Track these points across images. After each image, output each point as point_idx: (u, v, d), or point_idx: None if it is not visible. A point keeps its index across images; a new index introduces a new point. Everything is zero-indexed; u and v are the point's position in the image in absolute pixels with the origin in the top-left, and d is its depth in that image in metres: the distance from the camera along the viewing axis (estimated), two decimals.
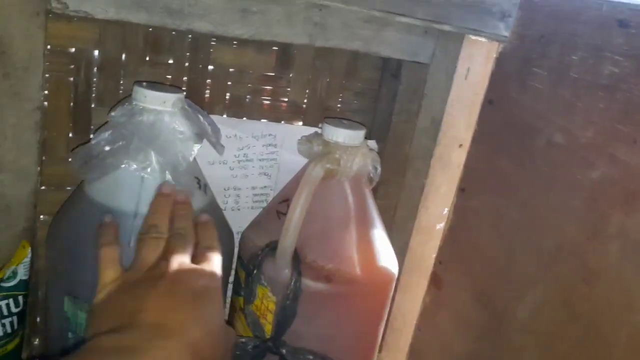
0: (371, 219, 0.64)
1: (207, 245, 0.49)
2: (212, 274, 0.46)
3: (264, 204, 0.74)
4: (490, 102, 0.64)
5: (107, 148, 0.52)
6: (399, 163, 0.72)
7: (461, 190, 0.68)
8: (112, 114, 0.54)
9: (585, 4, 0.48)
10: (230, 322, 0.66)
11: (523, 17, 0.59)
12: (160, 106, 0.54)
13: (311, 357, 0.58)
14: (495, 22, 0.60)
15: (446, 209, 0.70)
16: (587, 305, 0.46)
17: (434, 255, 0.71)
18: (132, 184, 0.53)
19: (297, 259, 0.59)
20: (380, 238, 0.64)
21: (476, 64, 0.66)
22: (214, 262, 0.48)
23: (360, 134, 0.62)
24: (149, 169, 0.52)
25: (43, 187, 0.65)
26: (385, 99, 0.73)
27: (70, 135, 0.65)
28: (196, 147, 0.56)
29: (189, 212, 0.51)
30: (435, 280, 0.70)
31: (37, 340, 0.70)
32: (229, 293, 0.68)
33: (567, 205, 0.49)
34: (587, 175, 0.47)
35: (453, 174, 0.70)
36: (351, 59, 0.72)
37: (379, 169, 0.63)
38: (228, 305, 0.68)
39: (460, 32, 0.62)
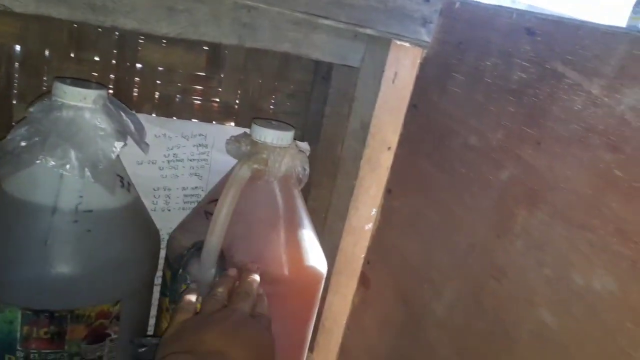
0: (300, 220, 0.64)
1: (261, 311, 0.55)
2: (267, 329, 0.53)
3: (195, 204, 0.74)
4: (414, 106, 0.66)
5: (22, 143, 0.50)
6: (330, 165, 0.74)
7: (388, 191, 0.69)
8: (31, 109, 0.53)
9: (498, 12, 0.51)
10: (158, 322, 0.65)
11: (444, 23, 0.61)
12: (80, 102, 0.53)
13: None
14: (417, 27, 0.62)
15: (374, 210, 0.72)
16: (494, 301, 0.48)
17: (362, 256, 0.73)
18: (50, 179, 0.52)
19: (222, 259, 0.59)
20: (308, 238, 0.65)
21: (403, 68, 0.67)
22: (267, 324, 0.54)
23: (289, 134, 0.62)
24: (67, 165, 0.51)
25: None
26: (316, 101, 0.74)
27: None
28: (118, 145, 0.55)
29: (254, 280, 0.56)
30: (364, 280, 0.72)
31: None
32: (156, 295, 0.67)
33: (479, 205, 0.51)
34: (497, 176, 0.49)
35: (381, 176, 0.71)
36: (283, 61, 0.73)
37: (308, 169, 0.64)
38: (156, 307, 0.67)
39: (384, 37, 0.64)
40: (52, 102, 0.53)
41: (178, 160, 0.71)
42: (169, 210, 0.73)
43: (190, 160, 0.71)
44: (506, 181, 0.48)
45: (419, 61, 0.66)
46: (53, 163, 0.51)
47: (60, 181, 0.52)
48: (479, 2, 0.56)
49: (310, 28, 0.65)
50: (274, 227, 0.63)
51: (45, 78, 0.63)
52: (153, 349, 0.59)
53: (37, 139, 0.51)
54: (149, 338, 0.60)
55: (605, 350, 0.39)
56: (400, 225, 0.66)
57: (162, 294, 0.64)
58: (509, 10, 0.49)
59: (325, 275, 0.66)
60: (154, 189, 0.70)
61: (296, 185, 0.65)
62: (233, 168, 0.65)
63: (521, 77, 0.48)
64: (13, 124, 0.63)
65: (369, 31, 0.61)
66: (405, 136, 0.67)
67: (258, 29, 0.63)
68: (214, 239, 0.58)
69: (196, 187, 0.73)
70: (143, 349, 0.60)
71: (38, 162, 0.51)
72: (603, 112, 0.41)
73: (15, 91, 0.63)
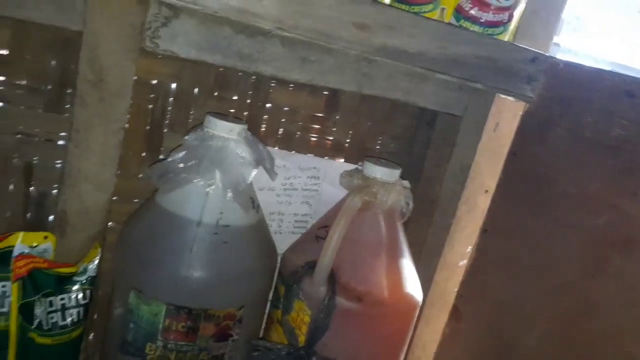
0: (401, 250, 0.71)
1: None
2: None
3: (304, 230, 0.82)
4: (514, 153, 0.72)
5: (181, 165, 0.61)
6: (428, 203, 0.80)
7: (484, 231, 0.75)
8: (186, 137, 0.64)
9: (599, 74, 0.56)
10: (266, 332, 0.73)
11: (547, 81, 0.67)
12: (227, 134, 0.63)
13: None
14: (522, 84, 0.68)
15: (469, 248, 0.77)
16: (585, 336, 0.52)
17: (455, 290, 0.78)
18: (198, 197, 0.62)
19: (332, 279, 0.66)
20: (408, 268, 0.71)
21: (504, 119, 0.74)
22: None
23: (396, 172, 0.70)
24: (214, 186, 0.61)
25: (114, 198, 0.74)
26: (419, 145, 0.81)
27: (143, 154, 0.74)
28: (254, 172, 0.64)
29: None
30: (456, 313, 0.77)
31: (92, 335, 0.78)
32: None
33: (574, 248, 0.56)
34: (593, 222, 0.54)
35: (477, 217, 0.77)
36: (391, 107, 0.81)
37: (411, 205, 0.71)
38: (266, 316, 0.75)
39: (491, 91, 0.71)
40: (204, 132, 0.63)
41: (293, 189, 0.80)
42: (281, 233, 0.81)
43: (304, 190, 0.80)
44: (602, 227, 0.53)
45: (520, 113, 0.72)
46: (204, 183, 0.61)
47: (206, 199, 0.62)
48: (582, 65, 0.61)
49: (420, 79, 0.73)
50: (378, 253, 0.70)
51: (192, 112, 0.74)
52: (265, 353, 0.67)
53: (193, 162, 0.61)
54: (262, 341, 0.68)
55: None
56: (494, 263, 0.71)
57: (274, 306, 0.72)
58: (610, 74, 0.55)
59: (420, 304, 0.71)
60: (270, 213, 0.80)
61: (399, 219, 0.72)
62: (343, 199, 0.74)
63: (620, 134, 0.53)
64: (161, 148, 0.75)
65: (478, 85, 0.68)
66: (504, 181, 0.73)
67: (375, 78, 0.72)
68: (326, 260, 0.66)
69: (306, 214, 0.82)
70: (256, 353, 0.68)
71: (194, 182, 0.61)
72: None
73: (167, 121, 0.74)
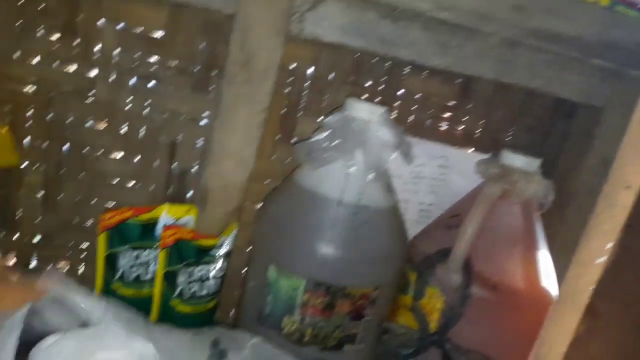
0: (537, 242, 0.69)
1: None
2: None
3: (427, 219, 0.81)
4: None
5: (325, 145, 0.62)
6: (562, 197, 0.77)
7: (627, 226, 0.71)
8: (327, 119, 0.65)
9: None
10: (392, 316, 0.73)
11: None
12: (368, 117, 0.63)
13: (472, 355, 0.64)
14: None
15: (609, 244, 0.73)
16: None
17: (590, 288, 0.74)
18: (339, 177, 0.63)
19: (468, 266, 0.65)
20: (544, 261, 0.69)
21: None
22: None
23: (536, 162, 0.68)
24: (356, 167, 0.62)
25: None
26: (554, 137, 0.79)
27: (278, 137, 0.76)
28: (392, 155, 0.65)
29: None
30: (592, 312, 0.73)
31: (234, 310, 0.81)
32: None
33: None
34: None
35: (617, 213, 0.73)
36: (526, 97, 0.79)
37: (551, 197, 0.68)
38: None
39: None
40: (345, 115, 0.64)
41: (420, 177, 0.79)
42: (405, 221, 0.81)
43: (431, 179, 0.80)
44: None
45: None
46: (347, 163, 0.62)
47: (346, 179, 0.63)
48: None
49: (562, 68, 0.70)
50: (514, 244, 0.68)
51: (326, 96, 0.76)
52: (397, 336, 0.67)
53: (336, 142, 0.62)
54: (394, 324, 0.68)
55: None
56: (637, 260, 0.67)
57: (401, 291, 0.72)
58: None
59: (555, 299, 0.69)
60: None
61: (537, 210, 0.70)
62: (475, 189, 0.73)
63: None
64: (294, 132, 0.77)
65: (634, 73, 0.65)
66: None
67: (515, 66, 0.70)
68: (462, 247, 0.65)
69: (431, 204, 0.81)
70: (387, 335, 0.68)
71: (336, 162, 0.62)
72: None
73: (301, 105, 0.76)
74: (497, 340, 0.66)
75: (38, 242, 0.75)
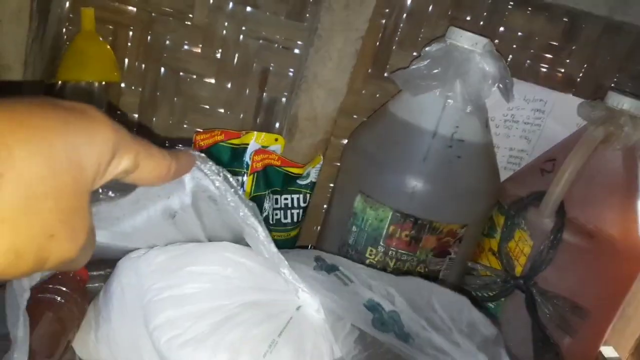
0: (638, 190, 0.65)
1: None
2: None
3: (517, 167, 0.78)
4: None
5: (425, 72, 0.60)
6: None
7: None
8: (427, 48, 0.63)
9: None
10: (473, 259, 0.72)
11: None
12: (471, 46, 0.61)
13: (560, 301, 0.62)
14: None
15: None
16: None
17: None
18: (436, 108, 0.61)
19: (562, 211, 0.63)
20: None
21: None
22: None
23: None
24: (454, 98, 0.60)
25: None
26: None
27: (369, 70, 0.75)
28: (493, 89, 0.62)
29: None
30: None
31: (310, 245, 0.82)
32: None
33: None
34: None
35: None
36: (635, 41, 0.73)
37: None
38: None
39: None
40: (447, 44, 0.62)
41: (514, 121, 0.76)
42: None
43: (525, 124, 0.76)
44: None
45: None
46: (446, 93, 0.60)
47: (443, 111, 0.61)
48: None
49: None
50: (613, 192, 0.64)
51: (422, 30, 0.73)
52: (481, 277, 0.66)
53: (436, 71, 0.60)
54: (479, 265, 0.67)
55: None
56: None
57: (486, 235, 0.70)
58: None
59: None
60: None
61: None
62: (575, 133, 0.69)
63: None
64: (387, 66, 0.75)
65: None
66: None
67: (630, 2, 0.65)
68: (558, 190, 0.62)
69: (522, 150, 0.78)
70: (471, 275, 0.67)
71: (433, 91, 0.60)
72: None
73: (397, 38, 0.74)
74: (585, 289, 0.63)
75: None
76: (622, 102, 0.64)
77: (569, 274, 0.63)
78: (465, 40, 0.61)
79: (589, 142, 0.62)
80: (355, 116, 0.76)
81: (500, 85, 0.63)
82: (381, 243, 0.63)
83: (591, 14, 0.69)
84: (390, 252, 0.63)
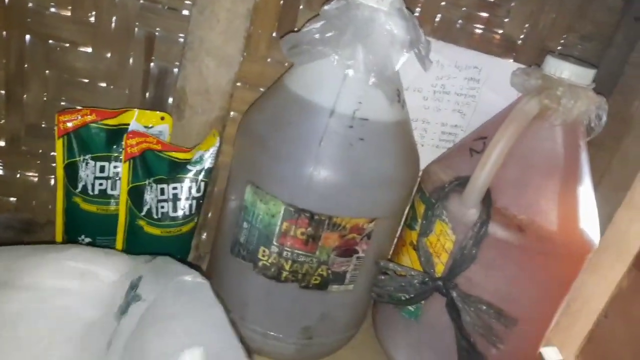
0: (580, 175, 0.56)
1: None
2: None
3: (450, 144, 0.68)
4: None
5: (317, 36, 0.49)
6: (618, 123, 0.62)
7: None
8: (326, 7, 0.52)
9: None
10: (395, 255, 0.62)
11: None
12: (376, 3, 0.50)
13: (484, 307, 0.52)
14: None
15: None
16: None
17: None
18: (333, 80, 0.50)
19: (488, 200, 0.53)
20: (587, 199, 0.56)
21: None
22: None
23: (591, 72, 0.53)
24: (354, 67, 0.49)
25: (238, 84, 0.65)
26: (617, 48, 0.63)
27: (274, 34, 0.64)
28: (405, 56, 0.51)
29: None
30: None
31: (205, 234, 0.72)
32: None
33: None
34: None
35: None
36: None
37: (604, 119, 0.54)
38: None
39: None
40: (348, 2, 0.51)
41: (445, 92, 0.66)
42: (422, 145, 0.68)
43: (458, 95, 0.66)
44: None
45: None
46: (342, 61, 0.49)
47: (343, 83, 0.50)
48: None
49: None
50: (550, 177, 0.55)
51: None
52: (395, 278, 0.57)
53: (331, 34, 0.49)
54: (392, 264, 0.57)
55: None
56: None
57: (408, 226, 0.61)
58: None
59: (595, 247, 0.56)
60: (414, 120, 0.66)
61: (584, 135, 0.56)
62: (512, 104, 0.59)
63: None
64: (294, 29, 0.63)
65: None
66: None
67: None
68: (483, 175, 0.52)
69: (456, 126, 0.68)
70: (384, 277, 0.57)
71: (329, 59, 0.49)
72: None
73: None
74: (516, 291, 0.54)
75: (2, 147, 0.66)
76: (560, 69, 0.53)
77: (497, 274, 0.54)
78: None
79: (520, 117, 0.52)
80: (261, 88, 0.65)
81: (415, 50, 0.52)
82: (274, 242, 0.53)
83: None
84: (285, 253, 0.53)
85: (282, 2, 0.62)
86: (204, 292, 0.44)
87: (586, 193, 0.56)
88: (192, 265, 0.48)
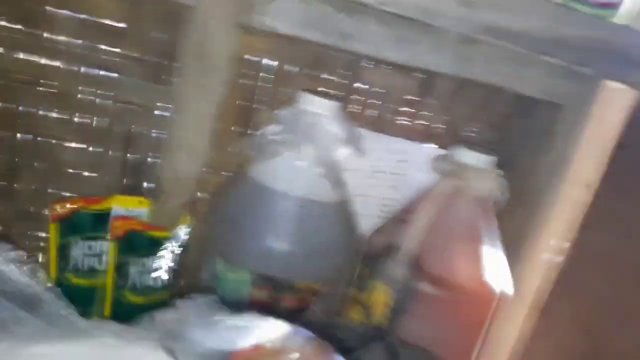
0: (489, 239, 0.69)
1: None
2: None
3: (389, 215, 0.81)
4: (620, 146, 0.67)
5: (274, 138, 0.62)
6: (519, 195, 0.76)
7: (583, 227, 0.71)
8: (280, 113, 0.64)
9: None
10: (348, 311, 0.73)
11: None
12: (319, 110, 0.63)
13: (415, 350, 0.64)
14: (637, 71, 0.63)
15: (562, 243, 0.73)
16: None
17: (543, 287, 0.74)
18: (288, 171, 0.62)
19: (415, 262, 0.65)
20: (494, 257, 0.69)
21: (611, 108, 0.69)
22: None
23: (490, 159, 0.67)
24: (305, 161, 0.62)
25: (204, 169, 0.76)
26: (516, 134, 0.78)
27: (233, 128, 0.76)
28: (343, 150, 0.64)
29: None
30: (543, 311, 0.73)
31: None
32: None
33: None
34: None
35: (574, 211, 0.73)
36: (487, 93, 0.78)
37: (506, 195, 0.68)
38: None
39: (600, 78, 0.66)
40: (297, 108, 0.64)
41: (381, 171, 0.79)
42: (364, 216, 0.80)
43: (392, 174, 0.79)
44: None
45: (629, 103, 0.67)
46: (295, 157, 0.61)
47: (295, 173, 0.62)
48: None
49: (522, 65, 0.69)
50: (465, 241, 0.68)
51: (283, 89, 0.75)
52: (343, 330, 0.67)
53: (284, 136, 0.62)
54: (340, 319, 0.68)
55: None
56: (591, 259, 0.67)
57: (355, 286, 0.72)
58: None
59: (498, 296, 0.68)
60: (355, 195, 0.78)
61: (491, 208, 0.69)
62: (433, 184, 0.72)
63: None
64: (250, 123, 0.75)
65: (586, 70, 0.64)
66: (609, 175, 0.68)
67: (474, 61, 0.69)
68: (409, 243, 0.64)
69: (393, 199, 0.81)
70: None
71: (284, 155, 0.61)
72: None
73: (256, 97, 0.75)
74: (441, 336, 0.65)
75: None
76: (467, 157, 0.67)
77: (426, 322, 0.65)
78: (313, 104, 0.63)
79: (437, 195, 0.65)
80: (223, 172, 0.77)
81: (350, 145, 0.65)
82: (245, 306, 0.63)
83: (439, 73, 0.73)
84: None
85: (238, 102, 0.74)
86: None
87: (495, 252, 0.69)
88: None
